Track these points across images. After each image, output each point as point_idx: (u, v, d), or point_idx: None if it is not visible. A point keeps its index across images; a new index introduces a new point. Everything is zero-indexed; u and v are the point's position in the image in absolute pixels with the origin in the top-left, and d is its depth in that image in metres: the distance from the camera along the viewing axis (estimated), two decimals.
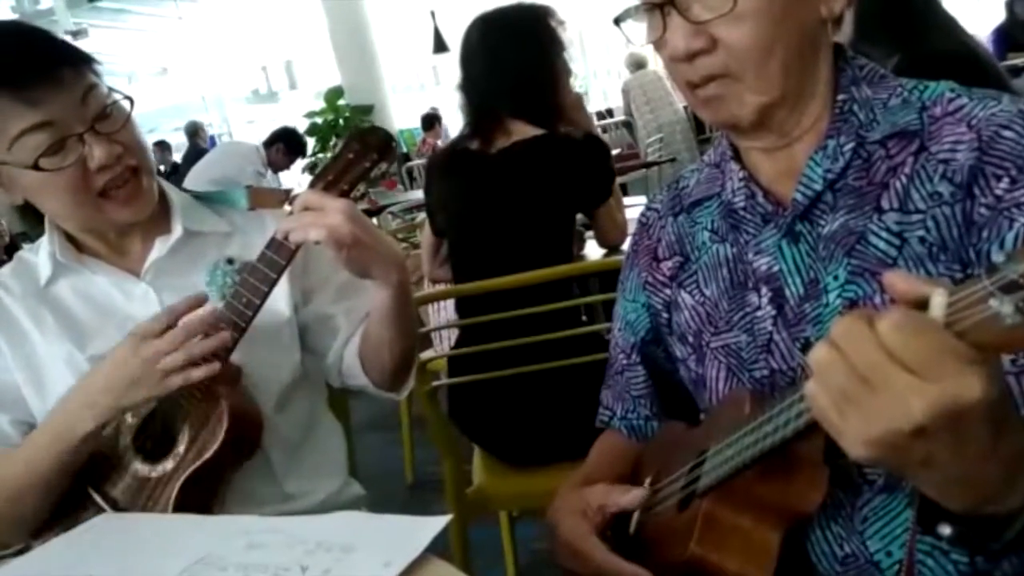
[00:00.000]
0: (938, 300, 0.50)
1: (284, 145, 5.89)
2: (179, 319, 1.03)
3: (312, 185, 1.08)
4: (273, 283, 1.07)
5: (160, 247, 1.20)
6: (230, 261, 1.22)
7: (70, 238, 1.20)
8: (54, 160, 1.06)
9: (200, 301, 1.05)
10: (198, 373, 1.02)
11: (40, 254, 1.20)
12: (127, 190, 1.12)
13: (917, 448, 0.52)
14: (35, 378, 1.15)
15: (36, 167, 1.05)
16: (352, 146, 1.09)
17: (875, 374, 0.51)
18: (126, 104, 1.13)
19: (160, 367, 1.01)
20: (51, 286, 1.18)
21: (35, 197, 1.12)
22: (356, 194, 1.10)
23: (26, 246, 1.27)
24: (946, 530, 0.62)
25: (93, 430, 1.04)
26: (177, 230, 1.20)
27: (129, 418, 1.10)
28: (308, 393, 1.28)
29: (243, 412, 1.08)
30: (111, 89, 1.12)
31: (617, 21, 0.89)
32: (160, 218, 1.22)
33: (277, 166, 6.02)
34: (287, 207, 1.12)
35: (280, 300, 1.22)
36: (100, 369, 1.05)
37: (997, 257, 0.46)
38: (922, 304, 0.51)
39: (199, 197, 1.29)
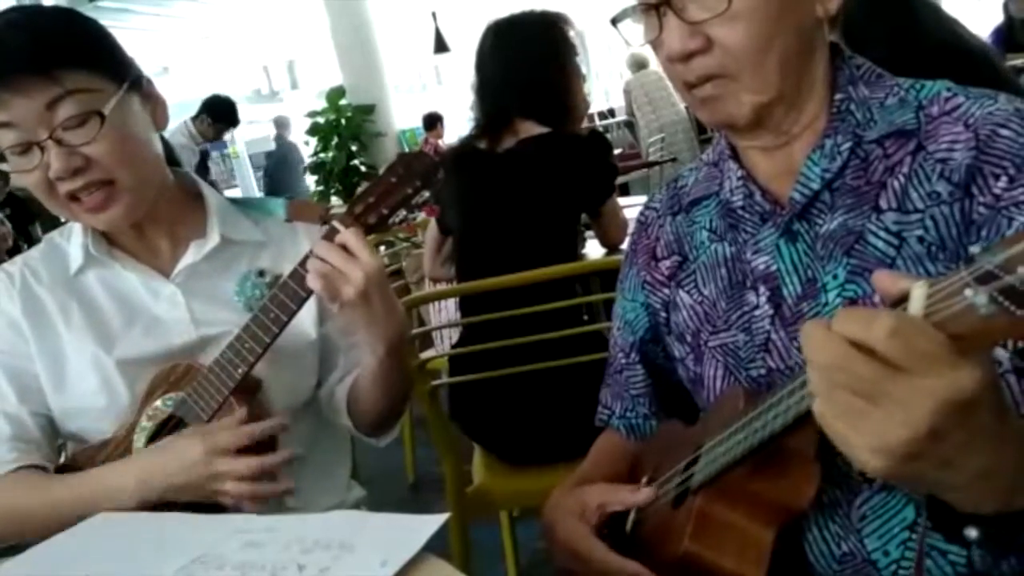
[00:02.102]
0: (918, 292, 0.50)
1: (209, 116, 5.62)
2: (255, 440, 1.02)
3: (352, 207, 1.06)
4: (302, 302, 1.06)
5: (195, 252, 1.18)
6: (261, 273, 1.20)
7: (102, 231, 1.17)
8: (20, 161, 1.05)
9: (282, 427, 1.04)
10: (248, 508, 1.00)
11: (72, 242, 1.18)
12: (95, 199, 1.07)
13: (934, 451, 0.52)
14: (57, 373, 1.13)
15: (2, 159, 1.05)
16: (396, 170, 1.06)
17: (875, 388, 0.51)
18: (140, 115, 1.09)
19: (222, 487, 1.00)
20: (80, 275, 1.17)
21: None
22: (396, 219, 1.08)
23: (25, 247, 1.25)
24: (973, 533, 0.60)
25: (132, 507, 1.03)
26: (214, 237, 1.18)
27: (145, 422, 1.10)
28: (318, 411, 1.27)
29: None
30: (118, 96, 1.06)
31: (614, 22, 0.89)
32: (191, 220, 1.20)
33: (206, 137, 5.75)
34: (322, 226, 1.10)
35: (307, 321, 1.21)
36: (161, 460, 1.03)
37: (975, 249, 0.47)
38: (905, 298, 0.52)
39: (236, 202, 1.27)
